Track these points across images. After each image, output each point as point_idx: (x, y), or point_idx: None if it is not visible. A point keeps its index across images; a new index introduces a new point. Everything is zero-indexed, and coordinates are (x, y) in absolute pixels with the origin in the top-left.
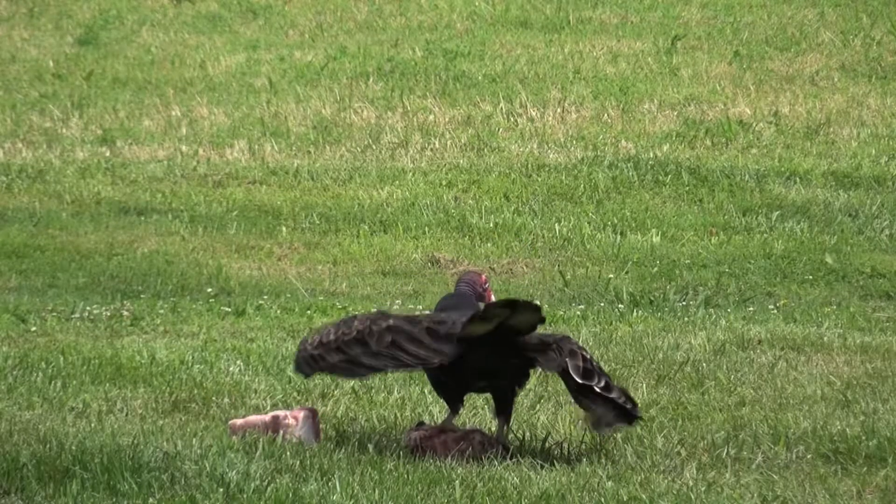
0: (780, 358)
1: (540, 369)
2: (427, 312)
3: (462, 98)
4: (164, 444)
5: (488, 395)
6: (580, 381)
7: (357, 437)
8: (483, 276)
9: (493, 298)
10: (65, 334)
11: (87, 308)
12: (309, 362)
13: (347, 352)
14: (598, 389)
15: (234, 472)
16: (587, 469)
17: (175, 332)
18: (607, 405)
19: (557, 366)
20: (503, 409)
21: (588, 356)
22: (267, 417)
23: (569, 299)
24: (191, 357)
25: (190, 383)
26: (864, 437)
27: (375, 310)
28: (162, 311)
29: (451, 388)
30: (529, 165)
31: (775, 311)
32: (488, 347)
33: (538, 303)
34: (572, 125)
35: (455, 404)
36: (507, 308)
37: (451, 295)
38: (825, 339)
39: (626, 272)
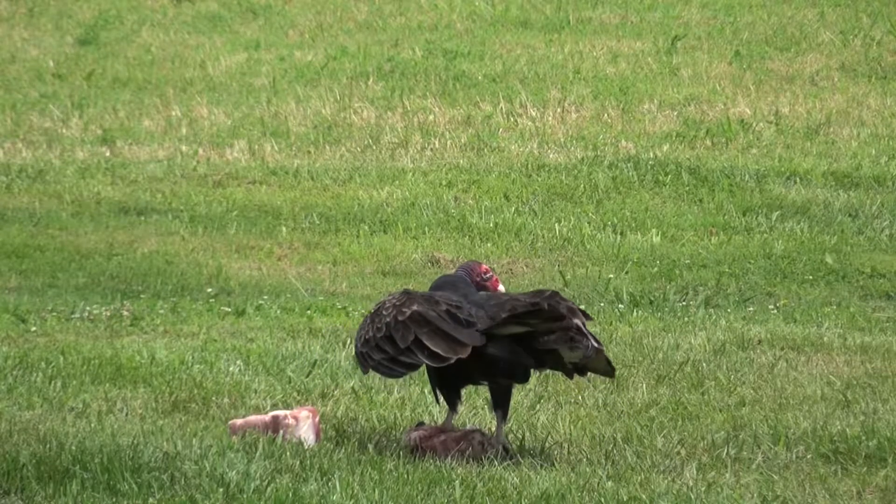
0: (780, 358)
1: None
2: (441, 294)
3: (462, 98)
4: (164, 444)
5: (486, 393)
6: (595, 343)
7: (357, 437)
8: (483, 266)
9: (500, 287)
10: (65, 334)
11: (87, 308)
12: (361, 361)
13: (386, 350)
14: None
15: (234, 472)
16: (587, 469)
17: (175, 332)
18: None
19: (583, 351)
20: (501, 403)
21: (577, 308)
22: (267, 417)
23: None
24: (191, 357)
25: (190, 383)
26: (864, 437)
27: (401, 292)
28: (162, 311)
29: (452, 384)
30: (529, 165)
31: (775, 311)
32: (508, 344)
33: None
34: (572, 125)
35: (454, 402)
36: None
37: (448, 276)
38: (825, 339)
39: (626, 272)
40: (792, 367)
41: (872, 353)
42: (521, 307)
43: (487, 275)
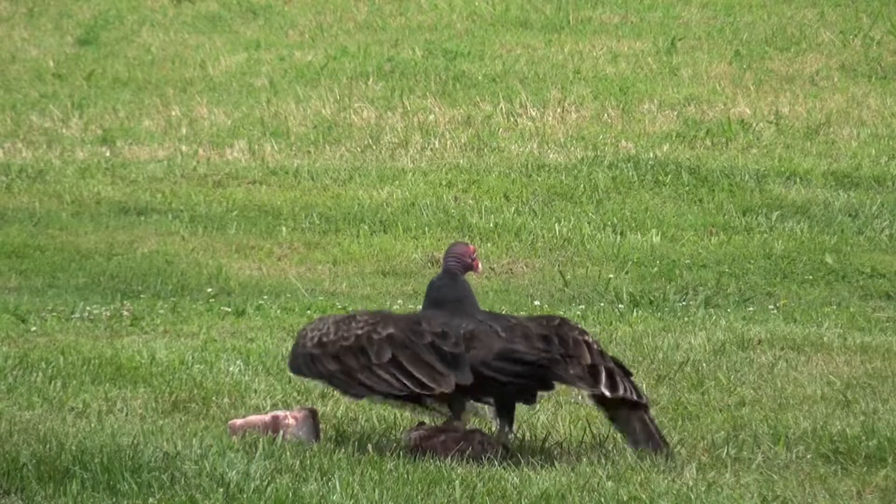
0: (780, 358)
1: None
2: (426, 315)
3: (462, 98)
4: (164, 444)
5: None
6: (590, 390)
7: (357, 437)
8: (471, 247)
9: (479, 267)
10: (65, 334)
11: (87, 308)
12: (307, 363)
13: (345, 362)
14: (606, 393)
15: (234, 472)
16: (587, 469)
17: (175, 332)
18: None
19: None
20: (505, 413)
21: (591, 340)
22: (267, 417)
23: (569, 299)
24: (191, 357)
25: (190, 383)
26: (864, 437)
27: (378, 311)
28: (162, 311)
29: (457, 395)
30: (529, 165)
31: (775, 311)
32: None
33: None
34: (572, 125)
35: (458, 411)
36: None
37: (441, 278)
38: (825, 339)
39: (626, 272)
40: (792, 367)
41: (872, 353)
42: (531, 342)
43: (474, 255)
